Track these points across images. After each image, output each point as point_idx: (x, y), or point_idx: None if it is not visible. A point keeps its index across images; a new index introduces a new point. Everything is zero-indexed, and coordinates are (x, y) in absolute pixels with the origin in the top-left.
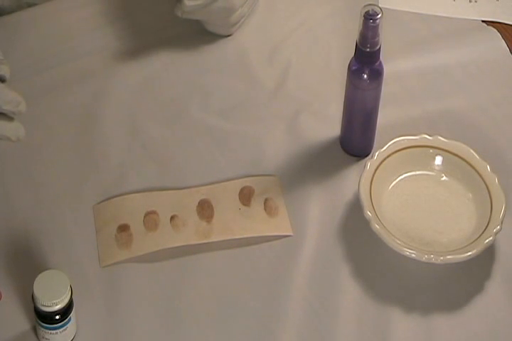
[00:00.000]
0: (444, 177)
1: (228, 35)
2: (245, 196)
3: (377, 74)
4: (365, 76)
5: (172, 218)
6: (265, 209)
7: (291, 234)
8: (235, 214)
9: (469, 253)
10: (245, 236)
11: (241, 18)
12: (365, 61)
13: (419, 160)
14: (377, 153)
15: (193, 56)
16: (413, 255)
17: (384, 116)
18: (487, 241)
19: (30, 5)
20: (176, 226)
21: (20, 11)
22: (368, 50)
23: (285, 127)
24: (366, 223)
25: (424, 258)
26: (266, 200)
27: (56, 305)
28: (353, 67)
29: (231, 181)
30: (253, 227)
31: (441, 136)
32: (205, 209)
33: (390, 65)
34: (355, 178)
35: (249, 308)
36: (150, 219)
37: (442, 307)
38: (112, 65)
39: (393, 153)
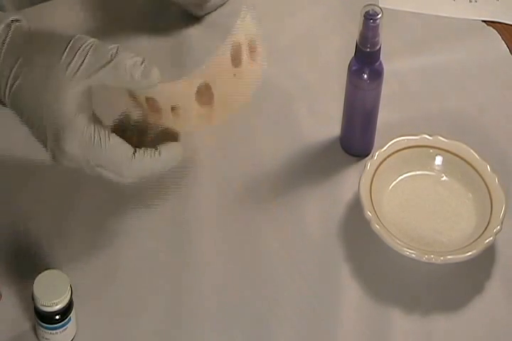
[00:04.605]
0: (444, 177)
1: (205, 15)
2: (236, 57)
3: (377, 74)
4: (365, 76)
5: (172, 109)
6: (250, 56)
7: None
8: (231, 81)
9: (469, 253)
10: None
11: None
12: (365, 61)
13: (419, 160)
14: (377, 153)
15: (192, 56)
16: (413, 255)
17: (384, 116)
18: (487, 241)
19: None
20: (177, 115)
21: (20, 11)
22: (368, 50)
23: (285, 127)
24: (366, 223)
25: (424, 258)
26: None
27: (56, 305)
28: (353, 67)
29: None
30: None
31: (441, 136)
32: (203, 94)
33: (390, 65)
34: (355, 178)
35: (249, 308)
36: (151, 103)
37: (442, 307)
38: None
39: (393, 153)
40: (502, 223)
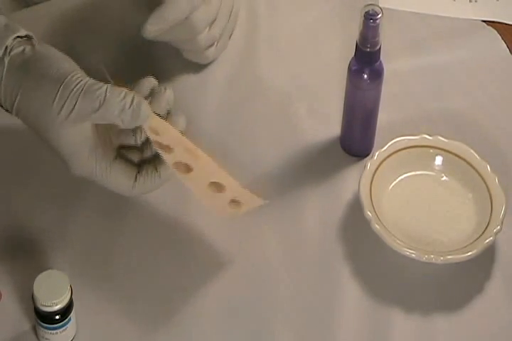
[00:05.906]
0: (444, 177)
1: (207, 63)
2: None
3: (377, 74)
4: (365, 76)
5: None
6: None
7: None
8: None
9: (469, 253)
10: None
11: (212, 41)
12: (365, 61)
13: (419, 160)
14: (377, 153)
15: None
16: (413, 255)
17: (384, 116)
18: (487, 241)
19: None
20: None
21: (21, 11)
22: (368, 50)
23: (285, 127)
24: (366, 223)
25: (424, 258)
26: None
27: (56, 305)
28: (353, 67)
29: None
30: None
31: (441, 136)
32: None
33: (390, 65)
34: (355, 178)
35: (250, 308)
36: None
37: (442, 307)
38: (113, 64)
39: (393, 153)
40: (502, 223)
